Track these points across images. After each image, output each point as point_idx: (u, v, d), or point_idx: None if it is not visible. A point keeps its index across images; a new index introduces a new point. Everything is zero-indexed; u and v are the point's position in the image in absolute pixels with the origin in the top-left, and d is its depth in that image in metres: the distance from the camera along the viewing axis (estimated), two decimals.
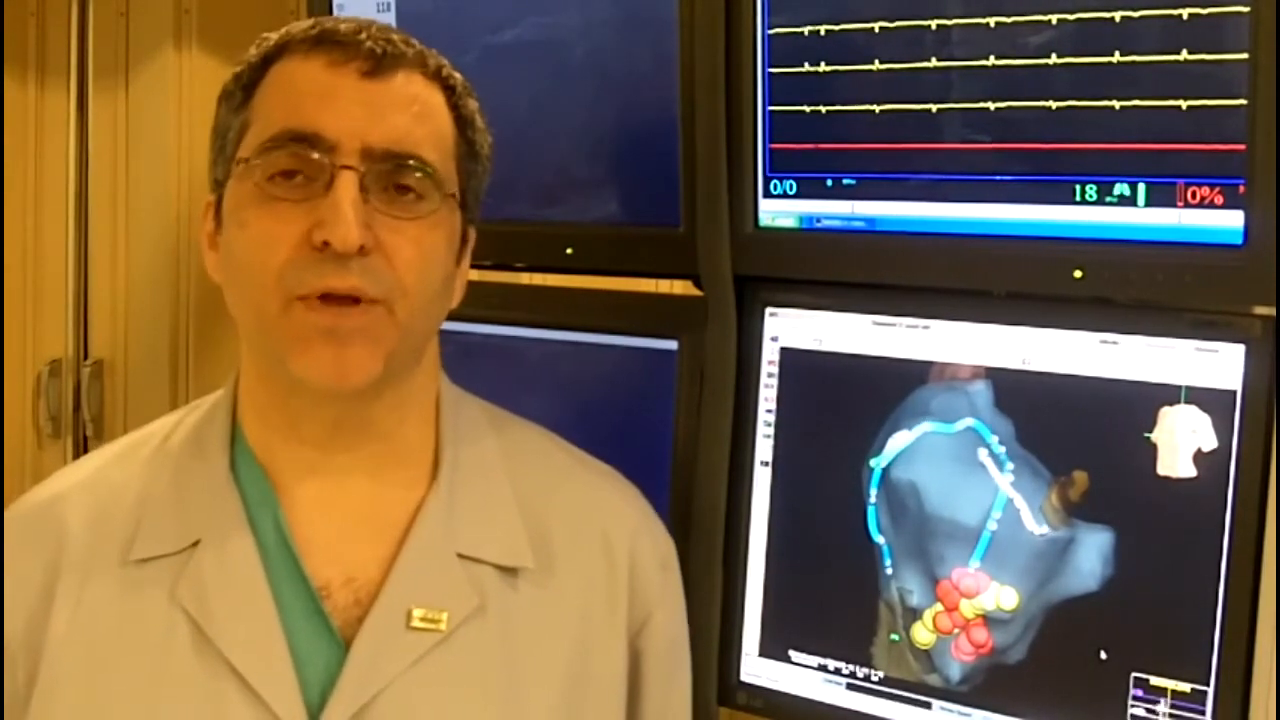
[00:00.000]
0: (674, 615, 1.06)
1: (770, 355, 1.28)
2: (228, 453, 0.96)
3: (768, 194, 1.26)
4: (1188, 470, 1.06)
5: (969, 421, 1.16)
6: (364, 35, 0.93)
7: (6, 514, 0.98)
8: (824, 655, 1.24)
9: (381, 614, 0.92)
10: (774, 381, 1.28)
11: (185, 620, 0.91)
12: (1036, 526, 1.12)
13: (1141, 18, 1.04)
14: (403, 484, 0.97)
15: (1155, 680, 1.07)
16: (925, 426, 1.18)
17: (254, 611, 0.91)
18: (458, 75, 0.99)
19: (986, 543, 1.14)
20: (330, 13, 1.50)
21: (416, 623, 0.92)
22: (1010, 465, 1.14)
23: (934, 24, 1.14)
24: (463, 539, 0.96)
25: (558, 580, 0.98)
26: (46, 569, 0.94)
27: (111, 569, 0.93)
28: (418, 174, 0.91)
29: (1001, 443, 1.14)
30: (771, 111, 1.24)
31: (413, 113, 0.93)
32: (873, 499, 1.21)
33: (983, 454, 1.15)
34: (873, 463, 1.21)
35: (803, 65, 1.21)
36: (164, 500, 0.95)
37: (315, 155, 0.89)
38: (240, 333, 0.96)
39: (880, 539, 1.21)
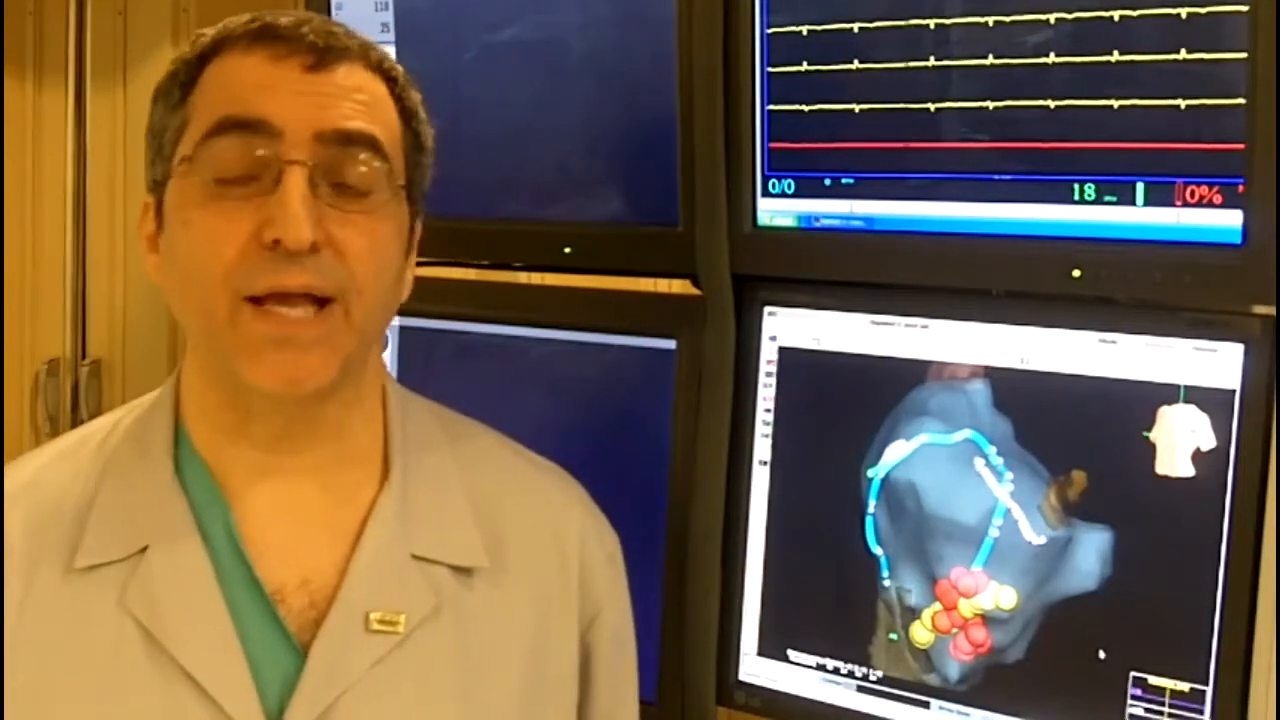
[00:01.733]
0: (621, 609, 1.07)
1: (769, 354, 1.28)
2: (171, 455, 0.94)
3: (766, 193, 1.26)
4: (1186, 470, 1.06)
5: (967, 433, 1.16)
6: (305, 29, 0.90)
7: None
8: (822, 655, 1.24)
9: (339, 617, 0.90)
10: (772, 380, 1.27)
11: (136, 628, 0.88)
12: (1035, 536, 1.12)
13: (1140, 17, 1.04)
14: (354, 485, 0.96)
15: (1154, 679, 1.07)
16: (923, 438, 1.18)
17: (207, 617, 0.89)
18: (399, 67, 0.97)
19: (989, 549, 1.14)
20: (329, 12, 1.50)
21: (374, 625, 0.90)
22: (1009, 475, 1.13)
23: (933, 23, 1.14)
24: (417, 540, 0.95)
25: (511, 579, 0.98)
26: None
27: (55, 577, 0.90)
28: (369, 158, 0.89)
29: (1000, 453, 1.14)
30: (770, 111, 1.24)
31: (359, 100, 0.91)
32: (871, 509, 1.21)
33: (980, 465, 1.15)
34: (870, 472, 1.21)
35: (801, 64, 1.21)
36: (107, 506, 0.93)
37: (261, 150, 0.86)
38: (187, 334, 0.94)
39: (879, 549, 1.20)
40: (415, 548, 0.94)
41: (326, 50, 0.90)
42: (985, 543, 1.14)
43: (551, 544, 1.01)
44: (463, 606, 0.95)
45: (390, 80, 0.95)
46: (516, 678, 0.96)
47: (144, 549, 0.91)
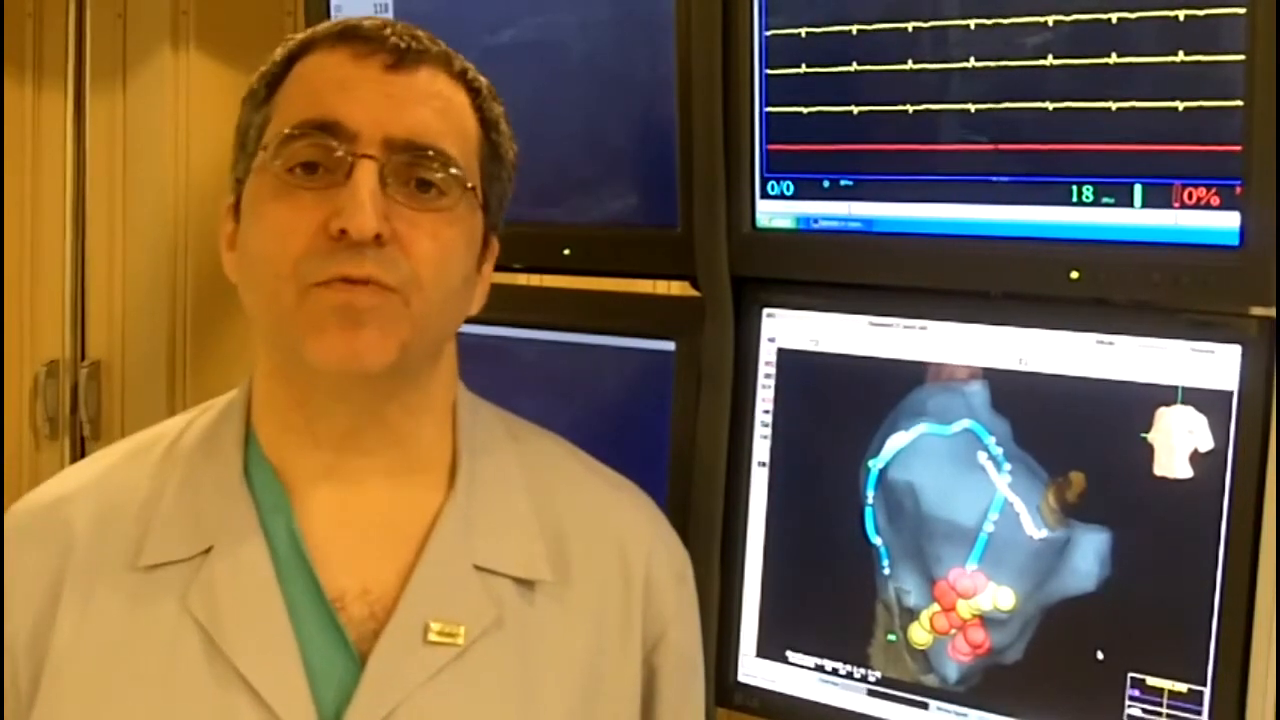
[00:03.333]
0: (689, 631, 1.05)
1: (767, 356, 1.28)
2: (241, 457, 0.95)
3: (765, 195, 1.26)
4: (1184, 471, 1.06)
5: (966, 423, 1.16)
6: (389, 31, 0.93)
7: (10, 513, 0.96)
8: (821, 656, 1.24)
9: (398, 627, 0.90)
10: (771, 382, 1.28)
11: (195, 629, 0.89)
12: (1035, 530, 1.12)
13: (1138, 19, 1.04)
14: (420, 493, 0.96)
15: (1152, 680, 1.07)
16: (922, 428, 1.18)
17: (267, 622, 0.89)
18: (483, 79, 0.98)
19: (984, 544, 1.15)
20: (328, 16, 1.50)
21: (433, 636, 0.90)
22: (1008, 467, 1.14)
23: (931, 25, 1.14)
24: (480, 550, 0.94)
25: (574, 594, 0.97)
26: (52, 572, 0.92)
27: (119, 574, 0.91)
28: (437, 167, 0.90)
29: (999, 444, 1.14)
30: (768, 112, 1.24)
31: (435, 107, 0.92)
32: (870, 500, 1.21)
33: (981, 456, 1.15)
34: (870, 464, 1.21)
35: (800, 66, 1.21)
36: (175, 505, 0.93)
37: (335, 146, 0.88)
38: (256, 330, 0.94)
39: (877, 540, 1.21)
40: (478, 558, 0.94)
41: (408, 51, 0.92)
42: (980, 538, 1.14)
43: (616, 558, 1.00)
44: (524, 619, 0.94)
45: (473, 90, 0.96)
46: (574, 695, 0.95)
47: (208, 550, 0.91)
